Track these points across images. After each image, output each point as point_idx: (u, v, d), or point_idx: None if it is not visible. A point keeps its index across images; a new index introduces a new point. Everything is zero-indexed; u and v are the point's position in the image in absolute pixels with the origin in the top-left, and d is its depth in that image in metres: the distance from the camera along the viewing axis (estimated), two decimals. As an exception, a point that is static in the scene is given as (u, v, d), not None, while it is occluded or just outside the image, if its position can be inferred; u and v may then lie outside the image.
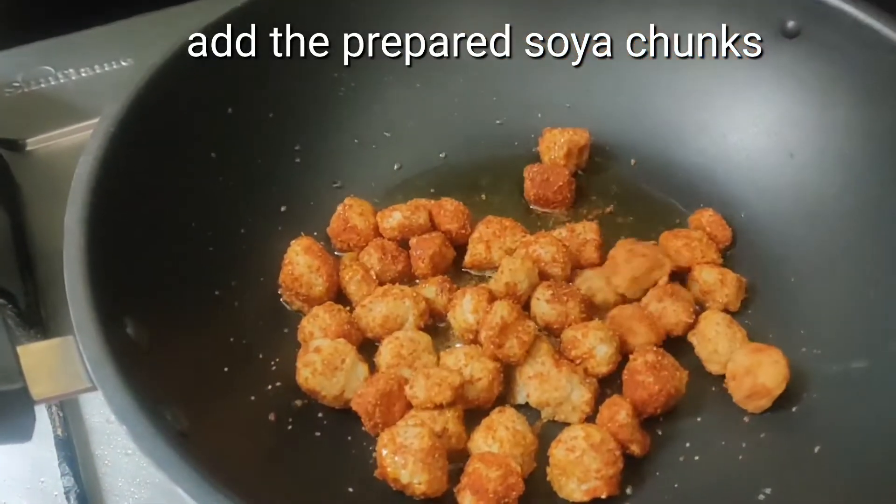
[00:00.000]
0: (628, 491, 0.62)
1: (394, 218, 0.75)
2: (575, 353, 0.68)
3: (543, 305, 0.70)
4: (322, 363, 0.64)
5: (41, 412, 0.70)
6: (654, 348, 0.67)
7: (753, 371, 0.65)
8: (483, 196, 0.82)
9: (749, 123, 0.80)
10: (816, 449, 0.62)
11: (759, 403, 0.65)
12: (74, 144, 0.92)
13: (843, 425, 0.63)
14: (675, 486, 0.63)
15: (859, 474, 0.59)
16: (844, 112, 0.76)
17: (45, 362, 0.49)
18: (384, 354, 0.67)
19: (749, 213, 0.79)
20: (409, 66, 0.83)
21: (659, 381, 0.64)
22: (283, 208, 0.76)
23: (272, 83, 0.77)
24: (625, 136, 0.84)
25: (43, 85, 0.97)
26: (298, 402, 0.65)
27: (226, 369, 0.63)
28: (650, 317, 0.70)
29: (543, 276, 0.72)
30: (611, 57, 0.84)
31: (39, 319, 0.76)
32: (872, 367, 0.65)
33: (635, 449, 0.63)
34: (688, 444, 0.65)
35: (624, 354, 0.68)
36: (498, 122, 0.86)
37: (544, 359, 0.66)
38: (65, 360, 0.50)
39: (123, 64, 1.00)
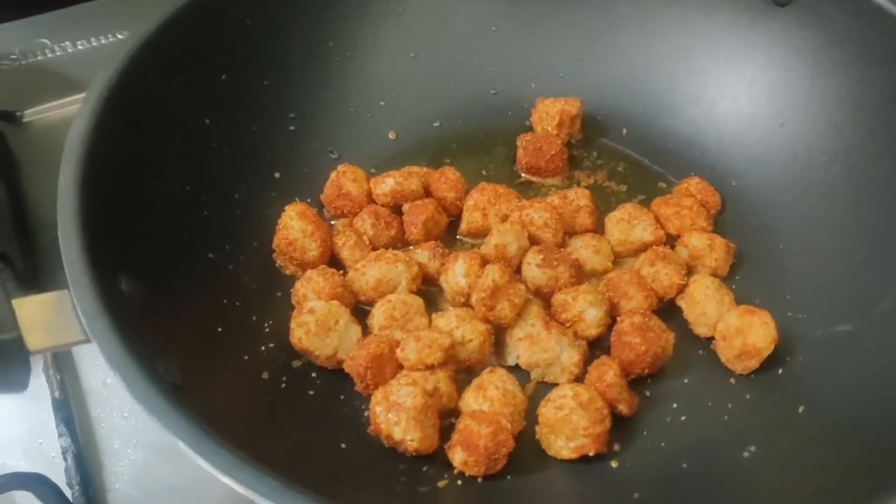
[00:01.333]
0: (616, 448, 0.63)
1: (386, 184, 0.75)
2: (565, 316, 0.69)
3: (534, 269, 0.70)
4: (316, 324, 0.64)
5: (38, 375, 0.71)
6: (642, 311, 0.68)
7: (744, 332, 0.65)
8: (477, 165, 0.83)
9: (740, 92, 0.81)
10: (800, 409, 0.63)
11: (747, 364, 0.66)
12: (70, 116, 0.91)
13: (827, 386, 0.64)
14: (662, 444, 0.64)
15: (841, 432, 0.60)
16: (835, 81, 0.76)
17: (39, 314, 0.50)
18: (377, 316, 0.68)
19: (739, 181, 0.80)
20: (406, 35, 0.84)
21: (646, 341, 0.65)
22: (277, 175, 0.77)
23: (267, 50, 0.77)
24: (617, 106, 0.85)
25: (40, 58, 0.98)
26: (295, 363, 0.66)
27: (219, 329, 0.64)
28: (645, 283, 0.71)
29: (535, 240, 0.73)
30: (604, 26, 0.84)
31: (37, 285, 0.77)
32: (856, 330, 0.66)
33: (623, 408, 0.64)
34: (675, 405, 0.66)
35: (613, 318, 0.69)
36: (493, 91, 0.87)
37: (535, 321, 0.67)
38: (59, 313, 0.50)
39: (119, 37, 1.00)
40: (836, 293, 0.70)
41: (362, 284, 0.70)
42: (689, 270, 0.74)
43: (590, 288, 0.70)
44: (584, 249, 0.74)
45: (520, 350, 0.67)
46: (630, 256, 0.76)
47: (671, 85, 0.83)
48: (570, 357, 0.66)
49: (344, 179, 0.76)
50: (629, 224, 0.75)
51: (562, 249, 0.73)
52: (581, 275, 0.73)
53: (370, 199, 0.77)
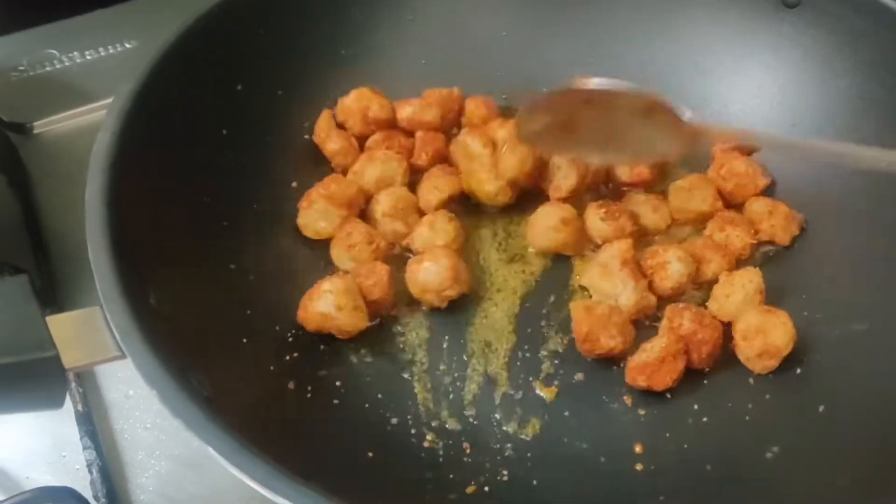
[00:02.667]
0: (639, 451, 0.64)
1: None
2: (651, 262, 0.71)
3: (599, 223, 0.74)
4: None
5: (60, 388, 0.71)
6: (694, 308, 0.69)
7: (764, 331, 0.66)
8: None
9: (751, 94, 0.82)
10: (821, 408, 0.64)
11: (767, 363, 0.67)
12: (80, 126, 0.93)
13: (846, 385, 0.65)
14: (685, 446, 0.64)
15: (863, 431, 0.61)
16: (845, 81, 0.77)
17: (73, 332, 0.50)
18: (381, 203, 0.74)
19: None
20: (416, 42, 0.85)
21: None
22: (294, 184, 0.77)
23: (280, 60, 0.78)
24: (628, 108, 0.86)
25: (48, 68, 0.97)
26: (321, 372, 0.67)
27: (244, 340, 0.64)
28: (721, 246, 0.73)
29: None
30: (613, 30, 0.85)
31: (54, 297, 0.77)
32: (871, 328, 0.67)
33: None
34: (696, 406, 0.67)
35: (660, 295, 0.71)
36: (503, 96, 0.87)
37: (616, 255, 0.70)
38: (91, 330, 0.51)
39: (127, 46, 1.00)
40: (851, 293, 0.70)
41: (364, 184, 0.75)
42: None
43: (681, 246, 0.73)
44: (644, 206, 0.77)
45: (592, 274, 0.71)
46: (685, 225, 0.78)
47: (682, 87, 0.83)
48: (627, 300, 0.69)
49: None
50: (689, 193, 0.77)
51: (617, 202, 0.76)
52: (641, 229, 0.76)
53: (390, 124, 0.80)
